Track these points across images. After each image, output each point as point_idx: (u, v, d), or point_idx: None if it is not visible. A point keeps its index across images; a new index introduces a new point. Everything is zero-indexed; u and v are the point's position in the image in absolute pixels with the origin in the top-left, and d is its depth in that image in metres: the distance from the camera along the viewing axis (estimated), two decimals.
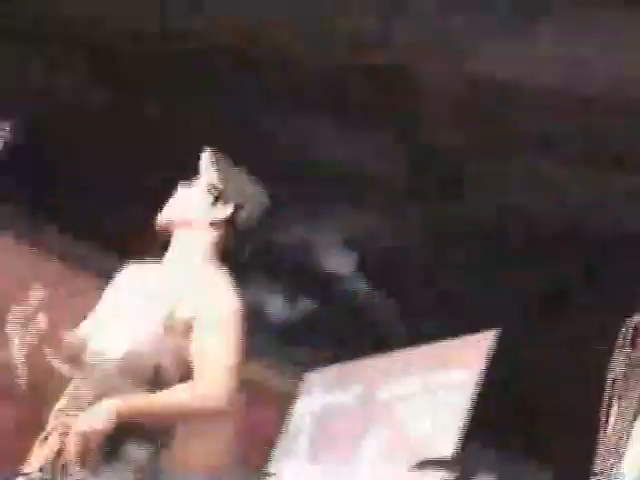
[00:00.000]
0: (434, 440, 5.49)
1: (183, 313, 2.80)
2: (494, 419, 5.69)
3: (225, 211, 2.94)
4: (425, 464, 4.46)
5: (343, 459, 6.10)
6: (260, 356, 7.22)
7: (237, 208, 2.95)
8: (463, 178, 5.59)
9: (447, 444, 5.37)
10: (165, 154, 5.16)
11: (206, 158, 3.02)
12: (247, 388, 7.13)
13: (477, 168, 5.54)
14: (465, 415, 5.44)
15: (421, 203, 5.83)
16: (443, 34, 4.89)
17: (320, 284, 6.92)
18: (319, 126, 5.49)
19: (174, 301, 2.81)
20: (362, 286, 6.85)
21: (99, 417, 2.63)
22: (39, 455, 2.76)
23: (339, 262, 6.74)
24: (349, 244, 6.56)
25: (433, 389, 5.75)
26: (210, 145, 3.00)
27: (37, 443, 2.80)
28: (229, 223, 2.95)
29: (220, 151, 3.03)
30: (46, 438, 2.77)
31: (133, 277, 3.00)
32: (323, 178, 5.82)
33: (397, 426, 5.82)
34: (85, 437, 2.60)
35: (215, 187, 2.97)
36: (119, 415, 2.63)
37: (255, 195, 3.01)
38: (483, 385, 5.48)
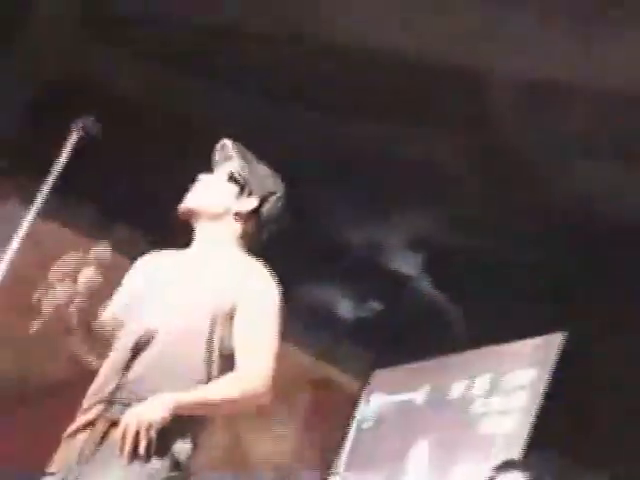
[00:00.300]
0: (502, 441, 5.50)
1: (225, 303, 2.79)
2: (558, 422, 5.66)
3: (251, 203, 2.96)
4: (493, 465, 4.45)
5: (411, 457, 6.11)
6: (328, 356, 7.27)
7: (262, 200, 2.97)
8: (533, 178, 5.57)
9: (515, 446, 5.37)
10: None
11: (228, 148, 3.01)
12: (316, 387, 7.27)
13: (545, 168, 5.52)
14: (533, 417, 5.44)
15: (489, 203, 5.82)
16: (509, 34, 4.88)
17: (388, 284, 6.92)
18: (389, 125, 5.50)
19: (217, 291, 2.80)
20: (429, 287, 6.84)
21: (156, 409, 2.59)
22: (69, 448, 2.71)
23: (406, 263, 6.74)
24: (416, 245, 6.56)
25: (502, 390, 5.75)
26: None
27: (65, 438, 2.76)
28: (253, 214, 2.96)
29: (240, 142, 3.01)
30: (75, 432, 2.73)
31: (161, 264, 2.98)
32: (391, 178, 5.83)
33: (466, 426, 5.83)
34: (142, 428, 2.56)
35: (240, 177, 2.97)
36: (176, 408, 2.60)
37: (277, 187, 3.02)
38: (550, 386, 5.47)
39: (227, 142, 3.02)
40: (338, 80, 5.27)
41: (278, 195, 3.01)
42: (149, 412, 2.58)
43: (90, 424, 2.70)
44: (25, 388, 6.03)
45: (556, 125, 5.22)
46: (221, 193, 2.96)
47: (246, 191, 2.96)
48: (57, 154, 2.79)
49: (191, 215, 2.96)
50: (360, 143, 5.64)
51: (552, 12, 4.65)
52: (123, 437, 2.58)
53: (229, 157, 3.00)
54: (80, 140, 2.81)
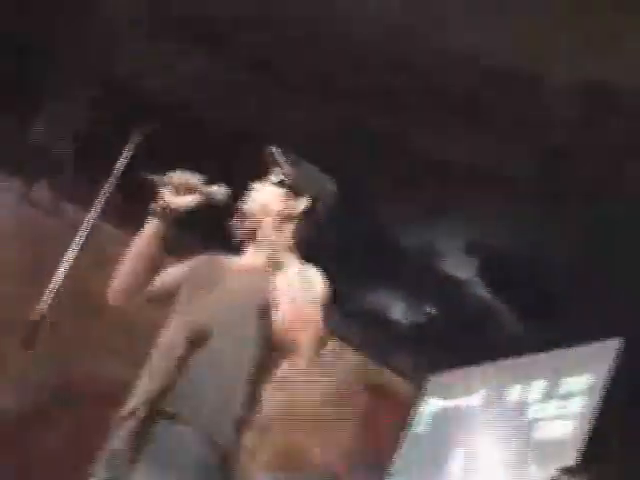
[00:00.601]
0: (559, 446, 5.46)
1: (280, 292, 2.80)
2: (615, 427, 5.61)
3: (302, 204, 3.03)
4: (552, 469, 4.43)
5: (466, 461, 6.10)
6: (384, 360, 7.28)
7: (314, 200, 3.03)
8: (591, 181, 5.52)
9: (571, 451, 5.33)
10: None
11: (275, 155, 3.08)
12: (371, 392, 7.27)
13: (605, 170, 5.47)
14: (589, 422, 5.40)
15: (546, 206, 5.78)
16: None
17: (443, 289, 6.91)
18: (447, 129, 5.49)
19: (267, 290, 2.81)
20: (484, 291, 6.82)
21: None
22: (115, 444, 2.74)
23: (461, 267, 6.72)
24: (471, 249, 6.54)
25: (559, 395, 5.71)
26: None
27: (116, 421, 2.79)
28: (305, 215, 3.03)
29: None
30: (134, 413, 2.75)
31: (213, 265, 3.04)
32: (448, 182, 5.82)
33: (522, 430, 5.80)
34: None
35: (289, 180, 3.04)
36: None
37: (328, 186, 3.09)
38: (607, 392, 5.43)
39: (274, 149, 3.09)
40: (399, 85, 5.28)
41: (329, 194, 3.08)
42: None
43: (134, 413, 2.74)
44: (69, 393, 6.10)
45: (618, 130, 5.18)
46: (272, 197, 3.04)
47: (296, 193, 3.04)
48: (116, 158, 2.84)
49: (246, 220, 3.02)
50: (418, 148, 5.63)
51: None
52: None
53: (277, 163, 3.08)
54: (139, 145, 2.85)
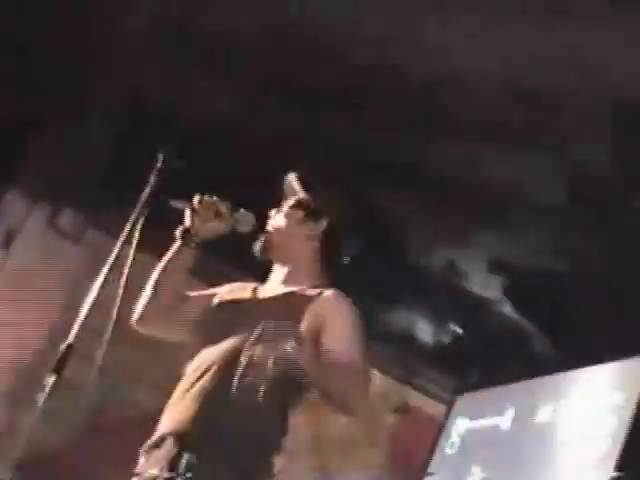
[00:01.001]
0: (590, 466, 5.41)
1: (308, 326, 2.83)
2: None
3: (320, 226, 3.06)
4: None
5: None
6: (412, 381, 7.25)
7: (331, 221, 3.07)
8: (610, 195, 5.49)
9: (604, 471, 5.28)
10: None
11: (291, 181, 3.13)
12: (399, 413, 7.23)
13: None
14: (621, 441, 5.34)
15: (574, 225, 5.76)
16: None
17: (469, 308, 6.89)
18: (470, 147, 5.49)
19: (304, 311, 2.85)
20: (510, 310, 6.79)
21: None
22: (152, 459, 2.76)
23: (487, 286, 6.70)
24: (496, 268, 6.52)
25: (589, 414, 5.66)
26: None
27: (146, 448, 2.81)
28: (324, 236, 3.06)
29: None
30: (160, 442, 2.77)
31: (240, 293, 3.06)
32: (473, 200, 5.81)
33: (553, 450, 5.75)
34: None
35: (306, 204, 3.09)
36: None
37: (344, 206, 3.15)
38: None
39: (290, 176, 3.15)
40: (421, 100, 5.28)
41: (345, 213, 3.13)
42: None
43: (161, 442, 2.75)
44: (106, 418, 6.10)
45: None
46: (291, 222, 3.08)
47: (314, 216, 3.08)
48: (142, 184, 2.84)
49: (269, 252, 3.06)
50: (441, 165, 5.63)
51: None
52: None
53: (294, 189, 3.13)
54: (163, 170, 2.85)
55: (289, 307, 2.88)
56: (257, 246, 3.06)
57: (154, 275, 3.01)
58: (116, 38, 5.39)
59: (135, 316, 3.02)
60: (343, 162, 5.43)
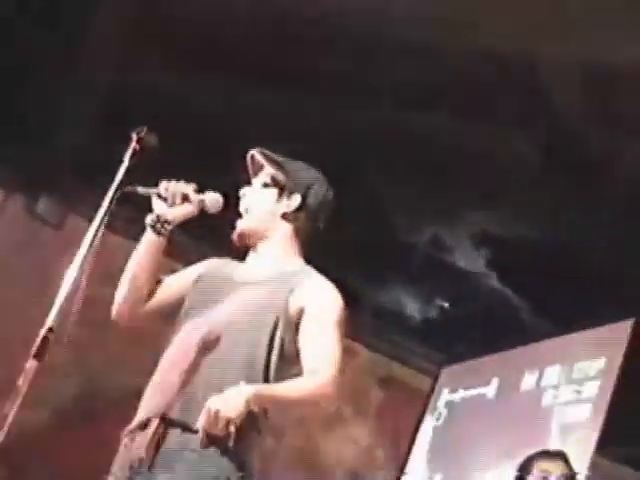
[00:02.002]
0: (574, 432, 5.46)
1: (289, 307, 2.83)
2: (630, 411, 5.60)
3: (295, 201, 3.00)
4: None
5: (483, 452, 6.09)
6: (397, 354, 7.28)
7: (305, 194, 3.01)
8: (598, 170, 5.51)
9: (588, 436, 5.33)
10: None
11: (256, 158, 3.05)
12: (386, 386, 7.25)
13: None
14: (605, 407, 5.38)
15: (554, 194, 5.78)
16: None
17: (454, 282, 6.91)
18: (454, 121, 5.50)
19: (279, 296, 2.84)
20: (494, 281, 6.82)
21: (237, 405, 2.57)
22: (128, 454, 2.74)
23: (472, 259, 6.72)
24: (481, 241, 6.54)
25: (573, 380, 5.70)
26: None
27: (126, 433, 2.80)
28: (301, 211, 3.01)
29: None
30: (133, 433, 2.77)
31: (222, 270, 3.03)
32: (456, 174, 5.83)
33: (538, 417, 5.80)
34: (220, 425, 2.55)
35: (277, 180, 3.02)
36: (254, 402, 2.60)
37: (316, 177, 3.06)
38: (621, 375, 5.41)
39: (254, 152, 3.06)
40: (409, 76, 5.28)
41: (318, 184, 3.05)
42: (228, 408, 2.55)
43: (145, 425, 2.74)
44: (91, 402, 6.11)
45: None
46: (264, 202, 3.02)
47: (287, 191, 3.02)
48: (116, 166, 2.82)
49: (245, 238, 3.02)
50: (426, 140, 5.64)
51: None
52: (204, 431, 2.58)
53: (261, 166, 3.06)
54: (137, 152, 2.83)
55: (268, 292, 2.87)
56: (234, 235, 3.02)
57: (129, 264, 2.99)
58: (93, 24, 5.40)
59: (114, 305, 3.01)
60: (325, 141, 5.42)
